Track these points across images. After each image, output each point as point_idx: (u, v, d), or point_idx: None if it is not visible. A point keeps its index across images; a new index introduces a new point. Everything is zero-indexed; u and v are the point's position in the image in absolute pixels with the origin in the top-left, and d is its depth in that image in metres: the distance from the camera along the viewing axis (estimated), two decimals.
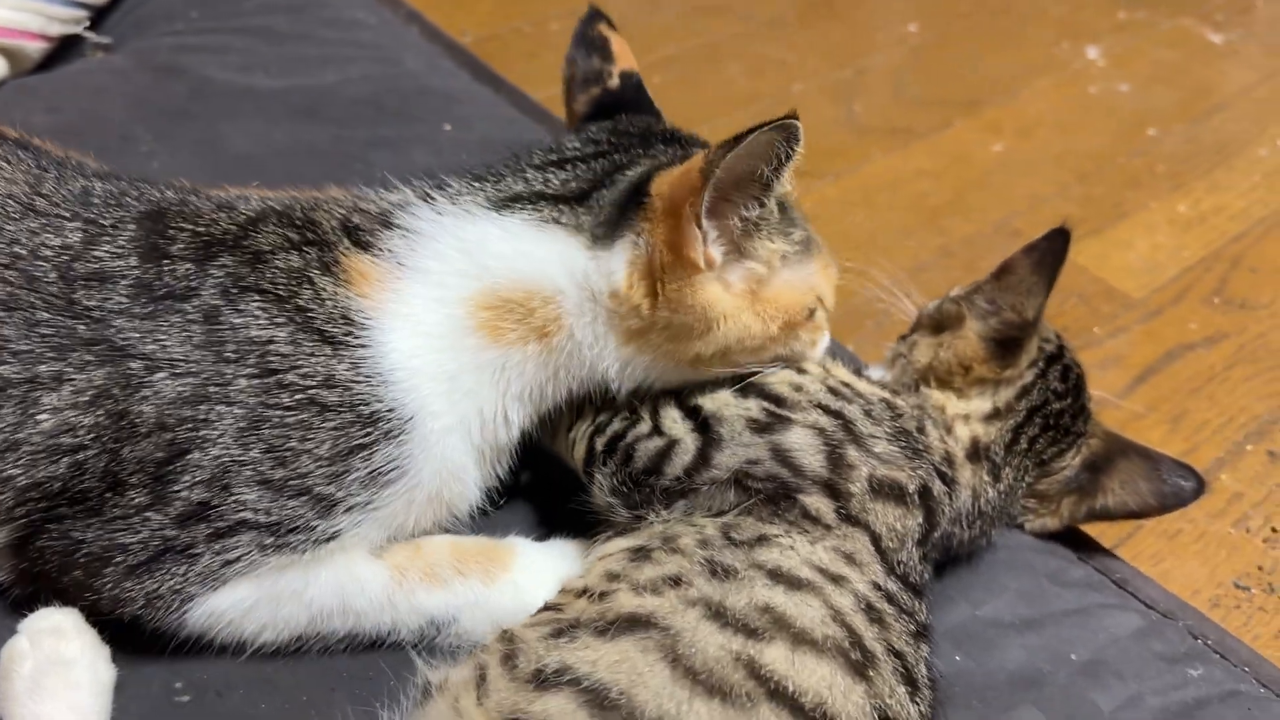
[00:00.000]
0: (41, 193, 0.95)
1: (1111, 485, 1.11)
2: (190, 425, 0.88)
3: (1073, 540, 1.17)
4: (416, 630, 0.98)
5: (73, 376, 0.89)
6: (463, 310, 0.94)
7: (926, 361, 1.09)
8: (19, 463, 0.89)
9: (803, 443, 0.93)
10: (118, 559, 0.89)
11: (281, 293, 0.91)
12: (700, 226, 0.90)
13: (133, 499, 0.88)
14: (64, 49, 1.69)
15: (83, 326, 0.90)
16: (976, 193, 1.84)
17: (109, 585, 0.90)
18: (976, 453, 1.04)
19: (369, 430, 0.90)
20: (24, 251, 0.92)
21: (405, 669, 0.92)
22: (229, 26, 1.72)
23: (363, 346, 0.91)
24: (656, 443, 0.96)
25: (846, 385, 1.00)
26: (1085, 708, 0.99)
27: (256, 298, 0.90)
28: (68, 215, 0.94)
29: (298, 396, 0.89)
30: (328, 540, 0.91)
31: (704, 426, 0.95)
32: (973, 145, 1.94)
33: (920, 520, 0.96)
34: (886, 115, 2.00)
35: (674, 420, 0.97)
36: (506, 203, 0.97)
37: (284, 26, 1.72)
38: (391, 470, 0.91)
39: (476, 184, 1.00)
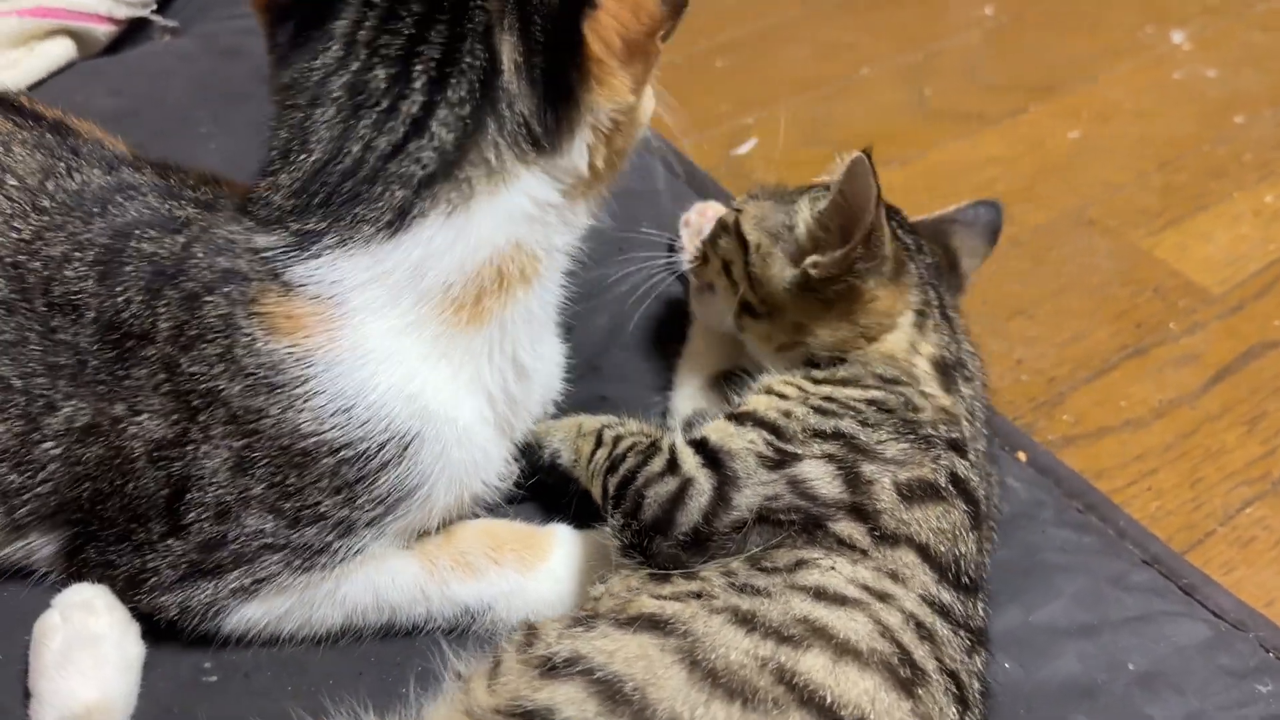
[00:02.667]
0: (47, 189, 0.95)
1: (964, 264, 1.14)
2: (182, 464, 0.87)
3: (1139, 541, 1.11)
4: (452, 619, 0.97)
5: (61, 405, 0.90)
6: (433, 325, 0.87)
7: (842, 335, 1.01)
8: (44, 480, 0.91)
9: (816, 472, 0.89)
10: (150, 580, 0.91)
11: (221, 344, 0.86)
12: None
13: (154, 529, 0.89)
14: (132, 32, 1.72)
15: (64, 358, 0.90)
16: (1049, 180, 1.77)
17: (144, 599, 0.92)
18: (947, 374, 1.01)
19: (364, 464, 0.87)
20: (23, 256, 0.92)
21: (435, 655, 0.91)
22: None
23: (318, 393, 0.85)
24: (669, 485, 0.90)
25: (829, 399, 0.95)
26: None
27: (205, 347, 0.86)
28: (58, 223, 0.93)
29: (276, 444, 0.86)
30: (356, 555, 0.91)
31: (715, 462, 0.91)
32: (1048, 131, 1.87)
33: (964, 507, 0.91)
34: (958, 100, 1.94)
35: (688, 454, 0.93)
36: (399, 215, 0.84)
37: None
38: (406, 488, 0.89)
39: (346, 210, 0.84)
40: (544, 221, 0.89)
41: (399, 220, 0.84)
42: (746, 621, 0.80)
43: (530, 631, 0.84)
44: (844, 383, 0.97)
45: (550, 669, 0.78)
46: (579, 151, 0.87)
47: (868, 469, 0.89)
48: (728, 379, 1.14)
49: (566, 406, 1.14)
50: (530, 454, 1.05)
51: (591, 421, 1.04)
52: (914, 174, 1.78)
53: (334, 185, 0.85)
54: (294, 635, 0.95)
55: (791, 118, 1.89)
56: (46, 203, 0.94)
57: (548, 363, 1.02)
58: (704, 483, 0.89)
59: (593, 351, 1.25)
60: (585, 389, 1.20)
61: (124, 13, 1.68)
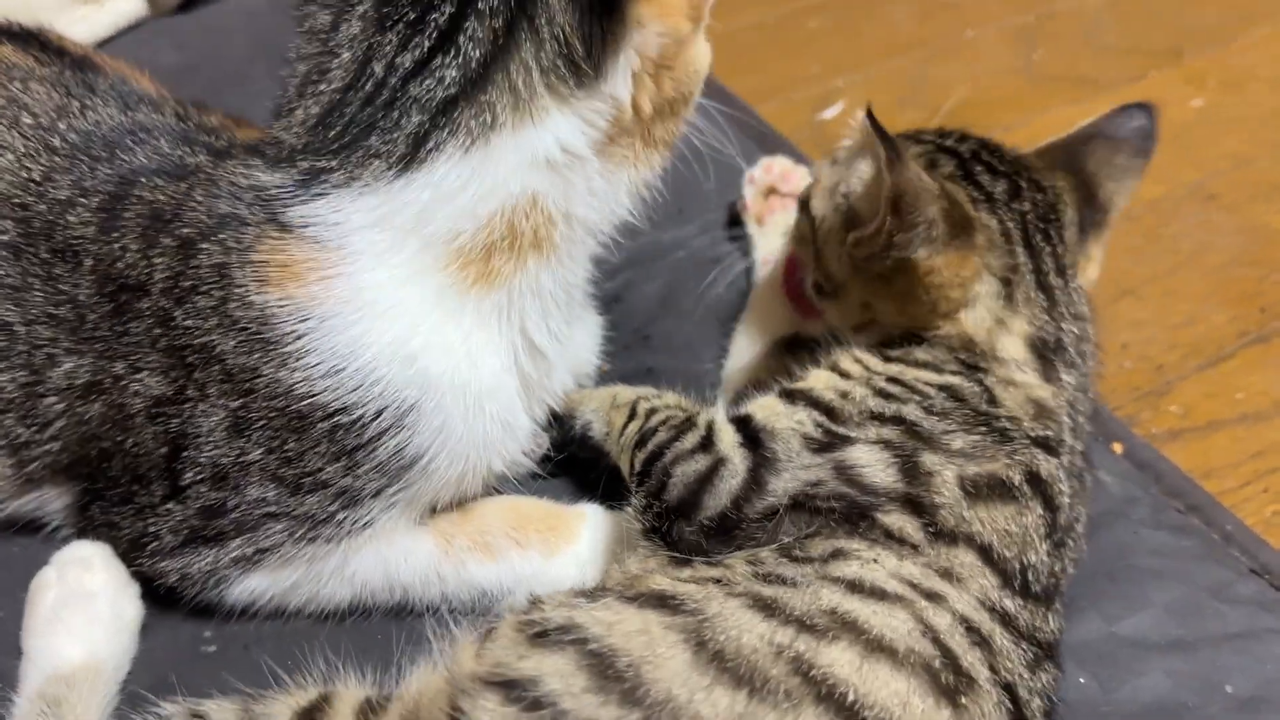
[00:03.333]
0: (59, 128, 0.90)
1: (1105, 189, 0.96)
2: (179, 421, 0.82)
3: (1247, 548, 0.98)
4: (468, 602, 0.90)
5: (62, 360, 0.86)
6: (436, 279, 0.80)
7: (911, 313, 0.88)
8: (51, 436, 0.87)
9: (868, 458, 0.78)
10: (151, 544, 0.87)
11: (215, 296, 0.80)
12: None
13: (155, 490, 0.85)
14: None
15: (64, 310, 0.85)
16: (1169, 151, 1.59)
17: (144, 564, 0.88)
18: (1045, 358, 0.86)
19: (360, 431, 0.80)
20: (31, 198, 0.88)
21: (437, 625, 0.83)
22: None
23: (309, 351, 0.79)
24: (699, 463, 0.81)
25: (895, 381, 0.84)
26: None
27: (198, 299, 0.81)
28: (65, 165, 0.88)
29: (271, 404, 0.80)
30: (363, 528, 0.85)
31: (754, 441, 0.81)
32: (1169, 99, 1.70)
33: (1041, 512, 0.79)
34: (1072, 64, 1.78)
35: (726, 432, 0.83)
36: (414, 146, 0.76)
37: None
38: (407, 458, 0.82)
39: (359, 144, 0.78)
40: (567, 178, 0.80)
41: (413, 153, 0.76)
42: (766, 607, 0.71)
43: (534, 601, 0.77)
44: (918, 364, 0.86)
45: (540, 635, 0.70)
46: (621, 79, 0.77)
47: (929, 459, 0.78)
48: (791, 347, 1.04)
49: (611, 379, 1.06)
50: (561, 424, 0.97)
51: (627, 392, 0.95)
52: (1019, 141, 1.59)
53: (352, 115, 0.78)
54: (301, 610, 0.90)
55: (886, 81, 1.76)
56: (58, 142, 0.90)
57: (573, 344, 0.94)
58: (738, 463, 0.80)
59: (643, 320, 1.17)
60: (632, 360, 1.12)
61: None
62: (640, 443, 0.87)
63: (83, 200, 0.87)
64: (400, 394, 0.80)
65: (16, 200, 0.88)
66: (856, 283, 0.91)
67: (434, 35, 0.75)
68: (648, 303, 1.19)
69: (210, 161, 0.87)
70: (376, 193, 0.78)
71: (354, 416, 0.80)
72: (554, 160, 0.78)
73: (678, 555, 0.80)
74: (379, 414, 0.80)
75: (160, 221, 0.83)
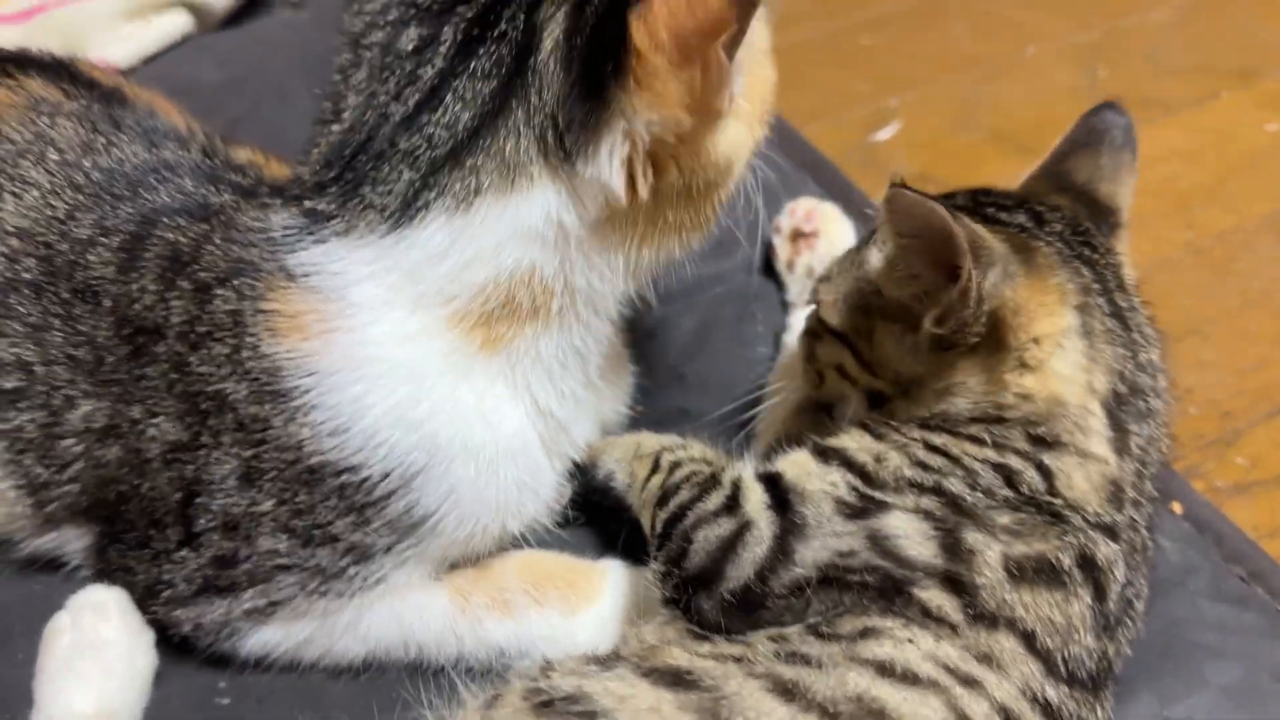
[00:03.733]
0: (84, 165, 0.88)
1: (1103, 191, 0.90)
2: (194, 468, 0.81)
3: None
4: (485, 660, 0.87)
5: (81, 403, 0.84)
6: (443, 339, 0.77)
7: (998, 375, 0.79)
8: (71, 478, 0.86)
9: (906, 528, 0.73)
10: (165, 592, 0.85)
11: (230, 343, 0.78)
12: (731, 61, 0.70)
13: (169, 536, 0.83)
14: (254, 6, 1.69)
15: (83, 351, 0.84)
16: (1241, 179, 1.54)
17: (159, 611, 0.86)
18: (1119, 417, 0.79)
19: (369, 490, 0.78)
20: (54, 236, 0.86)
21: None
22: None
23: (314, 407, 0.77)
24: (723, 528, 0.76)
25: (936, 450, 0.78)
26: None
27: (213, 346, 0.79)
28: (88, 203, 0.87)
29: (281, 455, 0.78)
30: (375, 584, 0.82)
31: (784, 504, 0.76)
32: (1242, 122, 1.63)
33: (1089, 600, 0.74)
34: (1137, 84, 1.71)
35: (754, 492, 0.78)
36: (404, 204, 0.75)
37: None
38: (420, 516, 0.80)
39: (356, 192, 0.77)
40: (563, 253, 0.76)
41: (403, 209, 0.74)
42: (787, 691, 0.67)
43: (544, 667, 0.74)
44: (970, 438, 0.78)
45: (546, 705, 0.68)
46: (606, 164, 0.72)
47: (972, 536, 0.73)
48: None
49: (644, 420, 1.02)
50: (584, 473, 0.94)
51: (652, 441, 0.91)
52: None
53: (348, 159, 0.76)
54: (315, 664, 0.88)
55: (941, 100, 1.70)
56: (82, 180, 0.88)
57: (599, 397, 0.91)
58: (764, 529, 0.75)
59: (678, 357, 1.13)
60: (665, 400, 1.08)
61: None
62: (662, 500, 0.83)
63: (104, 240, 0.85)
64: (407, 457, 0.77)
65: (40, 238, 0.86)
66: (936, 369, 0.81)
67: (424, 89, 0.73)
68: (684, 339, 1.15)
69: (233, 201, 0.85)
70: (371, 245, 0.76)
71: (361, 476, 0.77)
72: (545, 234, 0.75)
73: (697, 630, 0.76)
74: (385, 475, 0.77)
75: (178, 264, 0.82)
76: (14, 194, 0.87)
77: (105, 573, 0.89)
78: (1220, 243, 1.44)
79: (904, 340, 0.82)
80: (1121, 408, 0.79)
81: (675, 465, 0.86)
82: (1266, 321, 1.34)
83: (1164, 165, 1.56)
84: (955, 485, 0.75)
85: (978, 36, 1.81)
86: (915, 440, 0.79)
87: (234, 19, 1.66)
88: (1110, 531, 0.76)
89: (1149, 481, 0.81)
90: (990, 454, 0.77)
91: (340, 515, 0.79)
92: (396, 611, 0.85)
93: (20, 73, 0.94)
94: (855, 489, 0.76)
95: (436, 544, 0.82)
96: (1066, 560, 0.73)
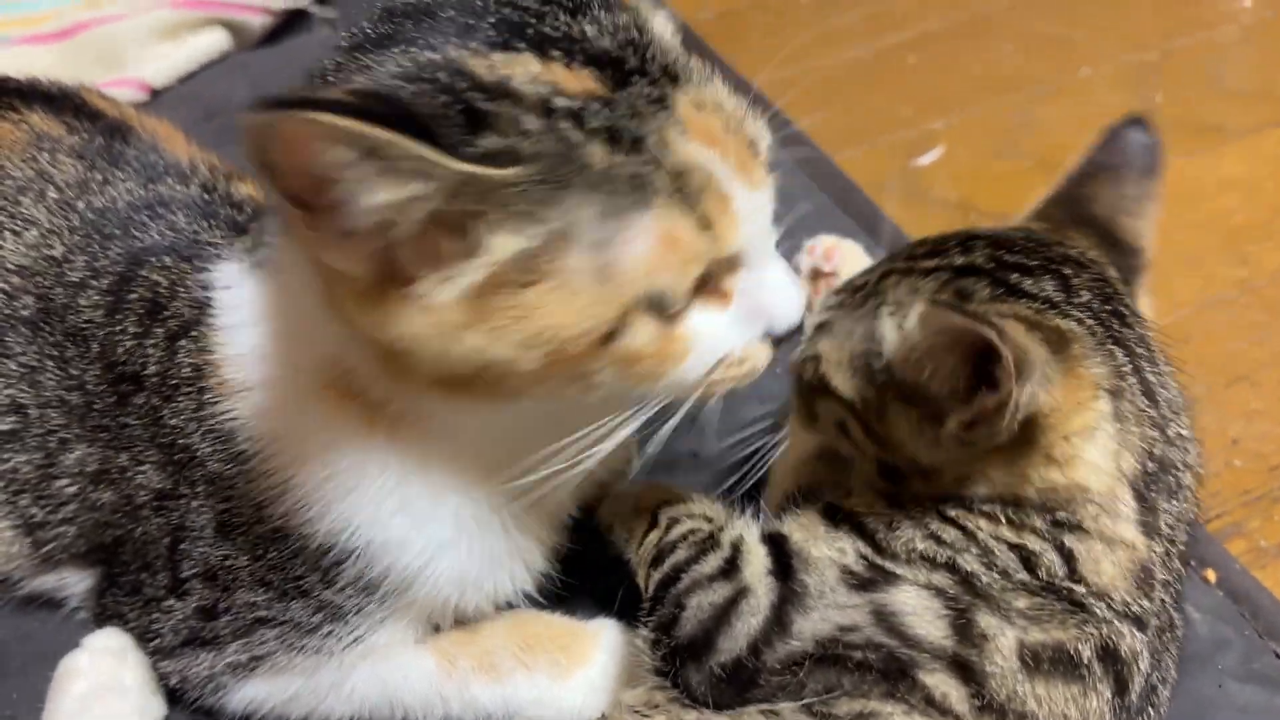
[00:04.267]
0: (78, 206, 0.88)
1: (1125, 227, 0.84)
2: (179, 515, 0.80)
3: None
4: None
5: (74, 447, 0.84)
6: (319, 412, 0.74)
7: (1021, 471, 0.72)
8: (66, 519, 0.86)
9: (915, 604, 0.69)
10: (153, 641, 0.85)
11: (194, 399, 0.77)
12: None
13: (159, 581, 0.83)
14: (291, 24, 1.69)
15: (75, 396, 0.83)
16: None
17: (149, 660, 0.86)
18: (1148, 497, 0.73)
19: (323, 554, 0.76)
20: (52, 278, 0.86)
21: None
22: None
23: (262, 474, 0.75)
24: (718, 593, 0.73)
25: (952, 523, 0.73)
26: None
27: (180, 400, 0.78)
28: (81, 244, 0.86)
29: (248, 513, 0.77)
30: (353, 643, 0.80)
31: (786, 570, 0.72)
32: None
33: (1109, 695, 0.69)
34: (1195, 109, 1.63)
35: (755, 555, 0.75)
36: (249, 250, 0.77)
37: None
38: (374, 582, 0.78)
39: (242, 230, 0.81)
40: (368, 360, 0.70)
41: (249, 255, 0.77)
42: None
43: None
44: (985, 514, 0.73)
45: None
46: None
47: (985, 619, 0.69)
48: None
49: (651, 466, 0.99)
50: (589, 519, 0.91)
51: (651, 495, 0.88)
52: None
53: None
54: None
55: (987, 123, 1.64)
56: (77, 221, 0.88)
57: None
58: (761, 596, 0.72)
59: None
60: (674, 442, 1.04)
61: (281, 4, 1.65)
62: (657, 560, 0.80)
63: (94, 282, 0.85)
64: (348, 540, 0.75)
65: (39, 277, 0.86)
66: (954, 461, 0.75)
67: None
68: None
69: (225, 239, 0.84)
70: (249, 296, 0.76)
71: (314, 543, 0.76)
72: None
73: (685, 700, 0.73)
74: (332, 544, 0.76)
75: (156, 307, 0.81)
76: (14, 231, 0.87)
77: (101, 617, 0.89)
78: (1273, 283, 1.37)
79: (921, 430, 0.75)
80: (1150, 487, 0.73)
81: (674, 522, 0.83)
82: None
83: (1220, 198, 1.49)
84: (970, 563, 0.71)
85: (1027, 56, 1.75)
86: (929, 510, 0.74)
87: (272, 36, 1.66)
88: (1138, 621, 0.71)
89: (1178, 558, 0.76)
90: (1007, 533, 0.72)
91: (308, 572, 0.77)
92: (381, 673, 0.83)
93: (25, 106, 0.94)
94: (864, 558, 0.73)
95: (403, 609, 0.80)
96: (1086, 652, 0.69)
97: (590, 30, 0.63)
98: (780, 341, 0.71)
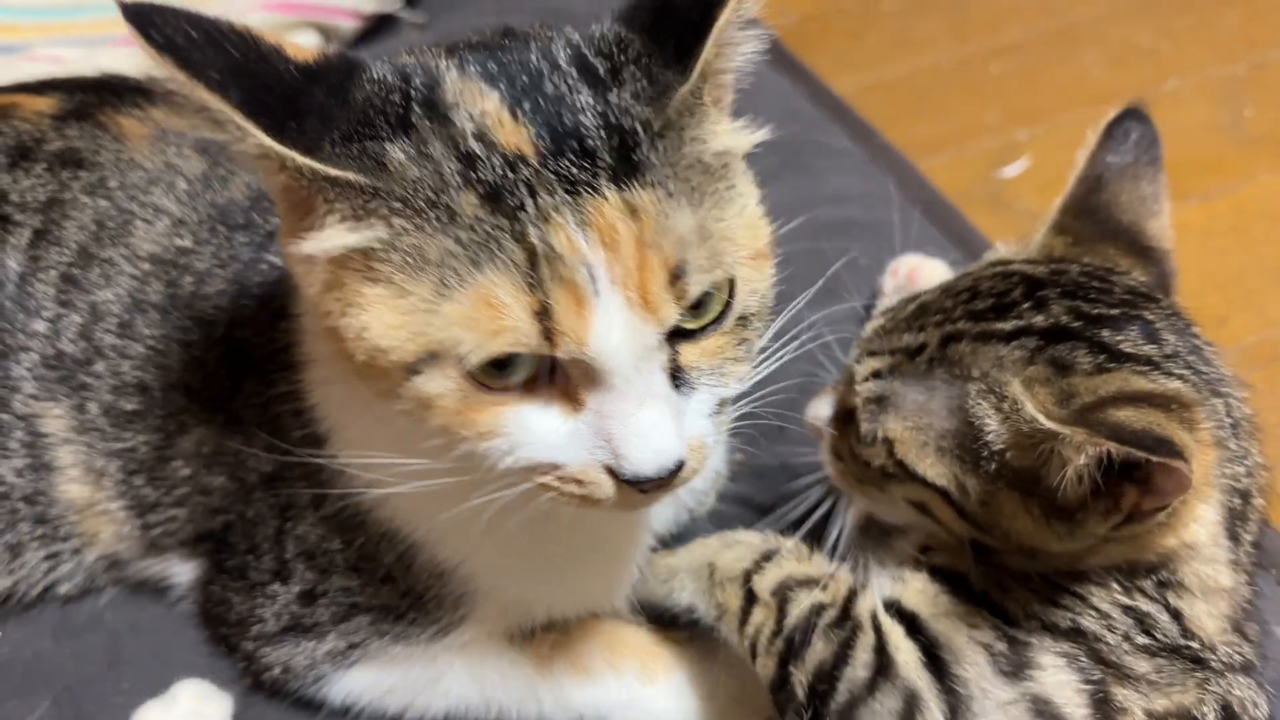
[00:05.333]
0: (205, 197, 0.91)
1: (1151, 231, 0.80)
2: (286, 498, 0.83)
3: None
4: None
5: (192, 428, 0.87)
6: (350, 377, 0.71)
7: (1140, 543, 0.69)
8: (178, 501, 0.89)
9: (1060, 682, 0.66)
10: (255, 626, 0.87)
11: (285, 379, 0.81)
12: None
13: (265, 565, 0.85)
14: (381, 28, 1.72)
15: (197, 379, 0.87)
16: None
17: (250, 648, 0.88)
18: (1237, 532, 0.70)
19: (393, 543, 0.80)
20: (180, 266, 0.89)
21: None
22: (528, 7, 1.67)
23: (336, 458, 0.78)
24: (887, 703, 0.67)
25: (1062, 587, 0.70)
26: None
27: (278, 379, 0.81)
28: (207, 235, 0.90)
29: (335, 497, 0.80)
30: (439, 634, 0.83)
31: (935, 661, 0.68)
32: None
33: None
34: None
35: (900, 641, 0.69)
36: None
37: (581, 9, 1.65)
38: (444, 571, 0.81)
39: None
40: None
41: None
42: None
43: None
44: (1091, 580, 0.70)
45: None
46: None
47: (1119, 693, 0.66)
48: None
49: (741, 475, 1.01)
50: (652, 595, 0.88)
51: (729, 560, 0.81)
52: (1219, 212, 1.49)
53: None
54: (404, 717, 0.89)
55: (1073, 135, 1.61)
56: (205, 211, 0.91)
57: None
58: (931, 702, 0.67)
59: (781, 405, 1.10)
60: (765, 453, 1.06)
61: (371, 8, 1.68)
62: (791, 653, 0.72)
63: (220, 271, 0.88)
64: (409, 524, 0.79)
65: (169, 263, 0.90)
66: (1069, 549, 0.70)
67: None
68: (788, 388, 1.12)
69: None
70: None
71: (384, 528, 0.80)
72: None
73: None
74: (395, 533, 0.80)
75: (270, 292, 0.84)
76: (146, 221, 0.91)
77: (206, 605, 0.92)
78: None
79: (1043, 523, 0.68)
80: (1238, 523, 0.72)
81: (783, 597, 0.75)
82: None
83: None
84: (1092, 624, 0.68)
85: (1113, 66, 1.74)
86: (1033, 575, 0.70)
87: (361, 40, 1.69)
88: (1246, 667, 0.70)
89: (1252, 584, 0.75)
90: (1120, 596, 0.69)
91: (388, 556, 0.81)
92: (476, 671, 0.86)
93: (148, 103, 0.97)
94: (1003, 634, 0.68)
95: (481, 603, 0.83)
96: (1210, 714, 0.67)
97: (582, 101, 0.61)
98: (646, 490, 0.63)
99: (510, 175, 0.59)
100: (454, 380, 0.61)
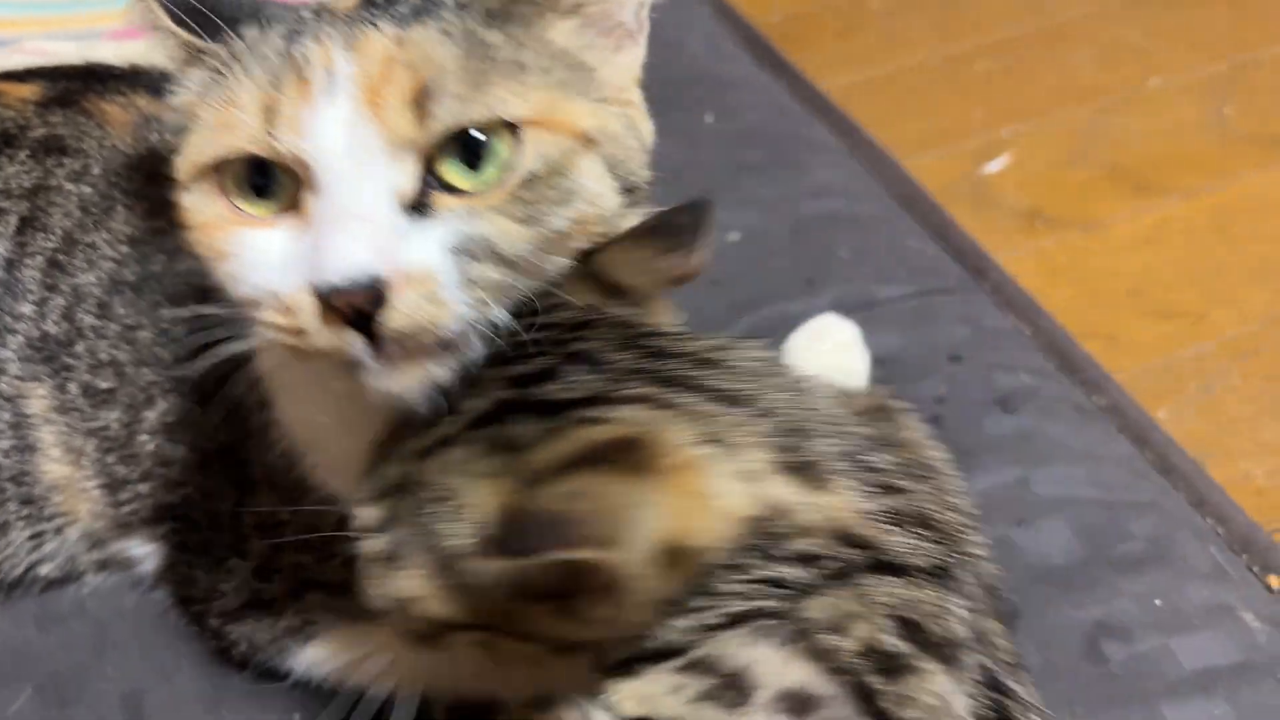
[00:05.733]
0: None
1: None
2: (242, 469, 0.83)
3: None
4: None
5: (159, 400, 0.87)
6: None
7: None
8: (143, 476, 0.89)
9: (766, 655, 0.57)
10: (218, 601, 0.87)
11: None
12: None
13: (224, 539, 0.86)
14: None
15: (167, 350, 0.87)
16: None
17: (216, 624, 0.88)
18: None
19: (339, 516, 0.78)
20: (154, 248, 0.90)
21: None
22: None
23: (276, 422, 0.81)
24: None
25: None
26: None
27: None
28: None
29: (279, 467, 0.81)
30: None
31: None
32: None
33: None
34: (1269, 121, 1.63)
35: None
36: None
37: None
38: None
39: None
40: None
41: None
42: None
43: None
44: None
45: None
46: None
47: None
48: None
49: None
50: None
51: None
52: (1201, 210, 1.51)
53: None
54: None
55: (1057, 132, 1.65)
56: None
57: None
58: None
59: None
60: None
61: None
62: None
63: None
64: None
65: (144, 242, 0.91)
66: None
67: None
68: None
69: None
70: None
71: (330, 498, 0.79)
72: None
73: None
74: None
75: None
76: (126, 206, 0.91)
77: (174, 585, 0.92)
78: None
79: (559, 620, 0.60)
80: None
81: None
82: None
83: None
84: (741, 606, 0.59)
85: (1100, 65, 1.75)
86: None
87: None
88: None
89: None
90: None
91: (325, 524, 0.77)
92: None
93: (130, 90, 0.98)
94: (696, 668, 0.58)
95: None
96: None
97: None
98: (347, 316, 0.58)
99: (315, 17, 0.65)
100: (212, 199, 0.64)
